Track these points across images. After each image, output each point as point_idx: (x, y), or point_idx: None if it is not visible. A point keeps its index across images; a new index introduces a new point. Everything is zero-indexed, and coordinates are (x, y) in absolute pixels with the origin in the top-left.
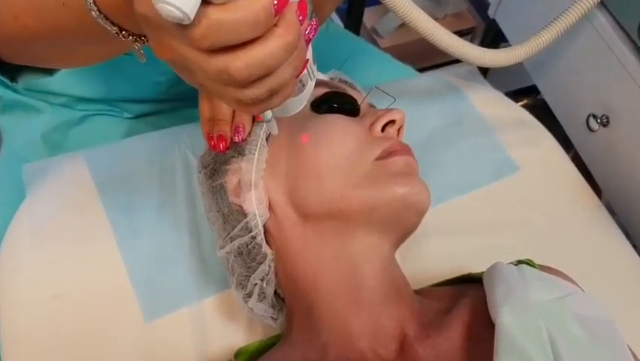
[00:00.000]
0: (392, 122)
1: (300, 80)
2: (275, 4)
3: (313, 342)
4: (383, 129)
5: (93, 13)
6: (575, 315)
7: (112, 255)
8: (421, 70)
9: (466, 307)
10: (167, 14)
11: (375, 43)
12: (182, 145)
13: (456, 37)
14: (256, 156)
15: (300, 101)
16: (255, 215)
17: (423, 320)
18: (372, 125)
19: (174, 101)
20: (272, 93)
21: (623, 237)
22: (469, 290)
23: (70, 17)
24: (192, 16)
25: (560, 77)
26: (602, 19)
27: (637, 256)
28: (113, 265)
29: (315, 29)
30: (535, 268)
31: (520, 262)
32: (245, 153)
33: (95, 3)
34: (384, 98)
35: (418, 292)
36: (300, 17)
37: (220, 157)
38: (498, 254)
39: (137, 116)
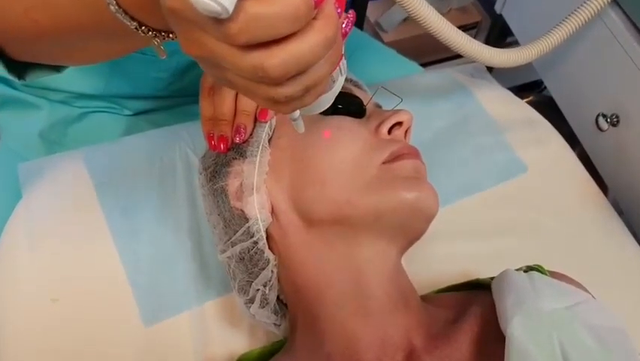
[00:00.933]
0: (399, 123)
1: (331, 76)
2: None
3: (317, 351)
4: (390, 131)
5: (112, 7)
6: (586, 324)
7: (110, 257)
8: (426, 64)
9: (475, 316)
10: (204, 8)
11: (378, 37)
12: (183, 143)
13: (466, 36)
14: (258, 158)
15: (329, 99)
16: (257, 220)
17: (431, 330)
18: (378, 127)
19: (174, 98)
20: (306, 91)
21: (630, 237)
22: (477, 298)
23: (84, 12)
24: (231, 10)
25: (569, 75)
26: (614, 16)
27: None
28: (111, 268)
29: (352, 22)
30: (545, 274)
31: (529, 268)
32: (246, 155)
33: None
34: (390, 96)
35: (424, 298)
36: (339, 10)
37: (221, 159)
38: (505, 256)
39: (136, 113)
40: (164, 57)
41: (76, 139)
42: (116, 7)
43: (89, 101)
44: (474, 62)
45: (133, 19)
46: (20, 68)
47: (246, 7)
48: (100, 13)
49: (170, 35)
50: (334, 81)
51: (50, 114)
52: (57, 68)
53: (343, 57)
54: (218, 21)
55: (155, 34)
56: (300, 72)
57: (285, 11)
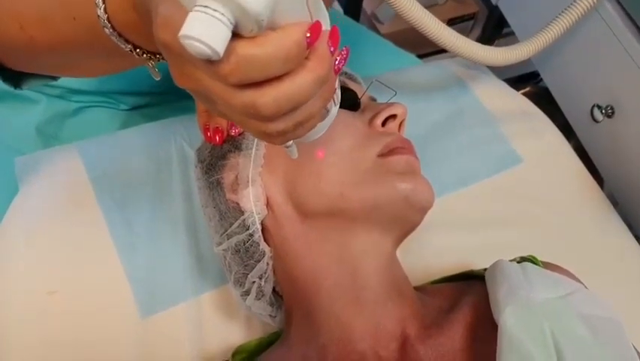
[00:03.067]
0: (393, 116)
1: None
2: (308, 37)
3: (312, 342)
4: (384, 124)
5: (107, 30)
6: (578, 314)
7: (107, 250)
8: (422, 56)
9: (469, 306)
10: (195, 51)
11: (375, 29)
12: (179, 137)
13: (461, 37)
14: (253, 151)
15: (323, 127)
16: (253, 212)
17: (424, 320)
18: (372, 119)
19: (170, 94)
20: (298, 125)
21: (625, 228)
22: (471, 288)
23: (80, 32)
24: (222, 53)
25: (565, 66)
26: (610, 9)
27: (639, 247)
28: (108, 261)
29: (345, 59)
30: (539, 265)
31: (523, 258)
32: (242, 147)
33: (109, 20)
34: (385, 89)
35: (418, 289)
36: (332, 48)
37: (217, 151)
38: (500, 247)
39: (132, 108)
40: (158, 78)
41: (73, 133)
42: (111, 30)
43: (85, 96)
44: None
45: (127, 41)
46: (16, 78)
47: (237, 48)
48: (95, 33)
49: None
50: (328, 111)
51: (47, 109)
52: (53, 77)
53: (337, 89)
54: (209, 61)
55: (150, 57)
56: (291, 109)
57: (277, 53)
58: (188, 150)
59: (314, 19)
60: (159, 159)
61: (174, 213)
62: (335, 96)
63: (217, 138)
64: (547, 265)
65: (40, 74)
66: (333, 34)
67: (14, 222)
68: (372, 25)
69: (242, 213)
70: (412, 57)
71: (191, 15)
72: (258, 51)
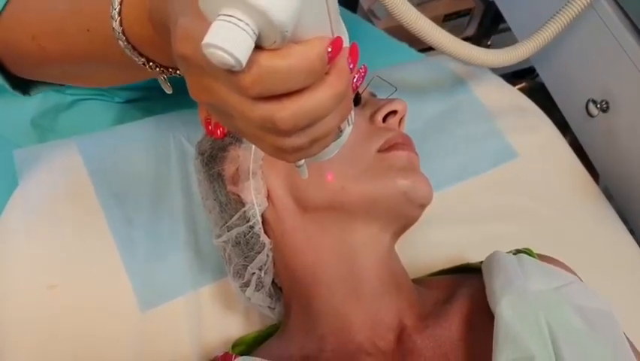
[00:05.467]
0: (394, 112)
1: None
2: (329, 52)
3: (311, 333)
4: (384, 119)
5: (121, 43)
6: (573, 305)
7: (106, 244)
8: (420, 51)
9: (465, 297)
10: (217, 60)
11: (372, 24)
12: (177, 132)
13: (458, 40)
14: None
15: (335, 147)
16: (253, 204)
17: (421, 311)
18: (373, 115)
19: None
20: (313, 142)
21: (620, 222)
22: (467, 280)
23: (94, 44)
24: (244, 63)
25: (560, 62)
26: (605, 5)
27: (634, 241)
28: (107, 254)
29: (363, 77)
30: (534, 257)
31: (518, 251)
32: (243, 140)
33: (123, 33)
34: (383, 84)
35: (416, 281)
36: (351, 65)
37: (218, 144)
38: (497, 241)
39: (128, 101)
40: (169, 92)
41: (68, 126)
42: (125, 43)
43: (80, 89)
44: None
45: (141, 54)
46: (24, 85)
47: (260, 60)
48: (108, 46)
49: (178, 72)
50: (342, 130)
51: (42, 101)
52: (61, 83)
53: (352, 109)
54: (230, 72)
55: (163, 70)
56: (309, 125)
57: (300, 66)
58: (186, 144)
59: (335, 35)
60: (158, 154)
61: (173, 207)
62: (349, 116)
63: (218, 132)
64: (542, 258)
65: (48, 82)
66: (353, 51)
67: (14, 216)
68: (369, 20)
69: (242, 205)
70: (412, 50)
71: (215, 24)
72: (281, 63)
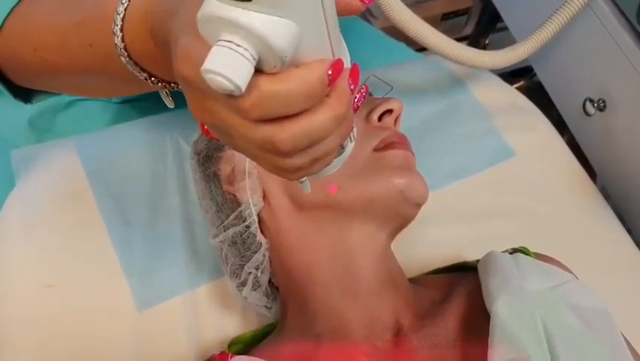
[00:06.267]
0: (389, 111)
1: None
2: (329, 75)
3: (308, 332)
4: (380, 118)
5: (123, 58)
6: (569, 304)
7: (104, 244)
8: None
9: (462, 296)
10: (217, 86)
11: (369, 23)
12: (174, 132)
13: (454, 42)
14: None
15: (337, 164)
16: (249, 204)
17: (418, 310)
18: (369, 114)
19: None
20: (314, 162)
21: (617, 221)
22: (463, 279)
23: (96, 58)
24: (244, 88)
25: (558, 60)
26: (602, 4)
27: (631, 240)
28: (104, 254)
29: (364, 97)
30: (531, 256)
31: (515, 250)
32: None
33: (125, 48)
34: (379, 83)
35: (412, 280)
36: (352, 86)
37: (213, 143)
38: (494, 240)
39: (125, 101)
40: (172, 106)
41: (65, 126)
42: (127, 59)
43: None
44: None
45: (143, 70)
46: (25, 93)
47: (260, 84)
48: (110, 60)
49: (179, 87)
50: (344, 148)
51: (39, 102)
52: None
53: (354, 126)
54: (230, 96)
55: (165, 85)
56: (309, 146)
57: (299, 90)
58: (183, 144)
59: (336, 57)
60: (155, 154)
61: (170, 207)
62: (352, 133)
63: None
64: (538, 256)
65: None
66: (353, 72)
67: (11, 216)
68: (367, 19)
69: (238, 204)
70: (409, 50)
71: (214, 49)
72: (280, 87)
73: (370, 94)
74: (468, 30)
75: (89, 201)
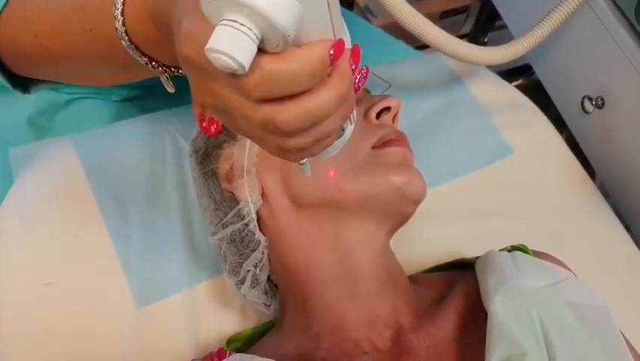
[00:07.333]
0: (387, 108)
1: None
2: (331, 54)
3: (307, 331)
4: (378, 116)
5: (124, 42)
6: (567, 302)
7: (102, 241)
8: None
9: (460, 295)
10: (221, 65)
11: (368, 21)
12: (173, 129)
13: (453, 37)
14: (248, 141)
15: (338, 146)
16: (248, 202)
17: (417, 309)
18: (367, 111)
19: (162, 86)
20: (315, 142)
21: (616, 219)
22: (462, 278)
23: (96, 44)
24: (247, 67)
25: (556, 58)
26: (600, 1)
27: (629, 237)
28: (103, 252)
29: (365, 77)
30: (529, 253)
31: (513, 247)
32: (237, 137)
33: (126, 32)
34: (378, 81)
35: (411, 278)
36: (353, 66)
37: (212, 141)
38: (492, 238)
39: (124, 99)
40: (172, 91)
41: (65, 125)
42: (128, 43)
43: (76, 88)
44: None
45: (144, 54)
46: (24, 83)
47: (262, 63)
48: (111, 45)
49: (180, 71)
50: (344, 130)
51: (38, 100)
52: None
53: (354, 108)
54: (233, 75)
55: (165, 70)
56: (311, 126)
57: (301, 69)
58: (182, 142)
59: (337, 37)
60: (153, 151)
61: (169, 204)
62: (352, 115)
63: (212, 129)
64: (537, 254)
65: (49, 80)
66: (354, 52)
67: (10, 214)
68: (366, 17)
69: (237, 202)
70: (409, 48)
71: (218, 28)
72: (283, 67)
73: (368, 92)
74: (467, 28)
75: (87, 199)
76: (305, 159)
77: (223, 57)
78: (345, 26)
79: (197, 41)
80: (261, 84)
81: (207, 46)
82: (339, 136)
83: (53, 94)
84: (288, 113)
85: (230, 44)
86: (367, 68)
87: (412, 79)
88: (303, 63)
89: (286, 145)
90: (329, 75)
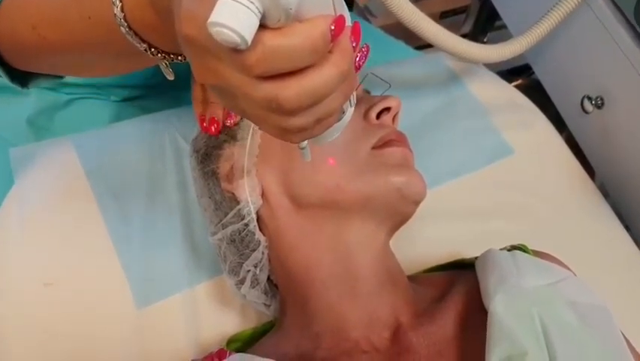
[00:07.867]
0: (387, 109)
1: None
2: (332, 30)
3: (306, 331)
4: (378, 116)
5: (122, 29)
6: (567, 301)
7: (103, 242)
8: (415, 49)
9: (460, 295)
10: (223, 39)
11: (368, 22)
12: (173, 129)
13: (452, 34)
14: (249, 141)
15: (338, 129)
16: (248, 202)
17: (417, 309)
18: (367, 112)
19: (161, 85)
20: (317, 122)
21: (616, 219)
22: (462, 277)
23: (95, 31)
24: (250, 41)
25: (556, 58)
26: (599, 0)
27: (629, 237)
28: (104, 252)
29: (366, 56)
30: (529, 253)
31: (513, 247)
32: (237, 138)
33: (125, 18)
34: (377, 81)
35: (411, 278)
36: (354, 43)
37: (212, 141)
38: (492, 237)
39: (124, 100)
40: (171, 78)
41: (64, 125)
42: (127, 29)
43: (75, 88)
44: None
45: (143, 40)
46: (22, 78)
47: (264, 39)
48: (110, 32)
49: (179, 57)
50: (344, 112)
51: (38, 101)
52: (59, 76)
53: (354, 89)
54: (235, 51)
55: (164, 56)
56: (313, 104)
57: (303, 44)
58: (182, 142)
59: (338, 13)
60: (153, 152)
61: (169, 204)
62: (351, 98)
63: (212, 129)
64: (537, 254)
65: (47, 73)
66: (355, 29)
67: (10, 214)
68: (365, 18)
69: (237, 202)
70: (408, 48)
71: (220, 2)
72: (285, 41)
73: (368, 92)
74: (466, 28)
75: (87, 199)
76: (306, 144)
77: (225, 30)
78: (344, 5)
79: (198, 20)
80: (263, 60)
81: (210, 20)
82: (339, 119)
83: (53, 94)
84: (290, 90)
85: (232, 18)
86: (368, 47)
87: (411, 79)
88: (305, 38)
89: (288, 125)
90: (330, 52)
